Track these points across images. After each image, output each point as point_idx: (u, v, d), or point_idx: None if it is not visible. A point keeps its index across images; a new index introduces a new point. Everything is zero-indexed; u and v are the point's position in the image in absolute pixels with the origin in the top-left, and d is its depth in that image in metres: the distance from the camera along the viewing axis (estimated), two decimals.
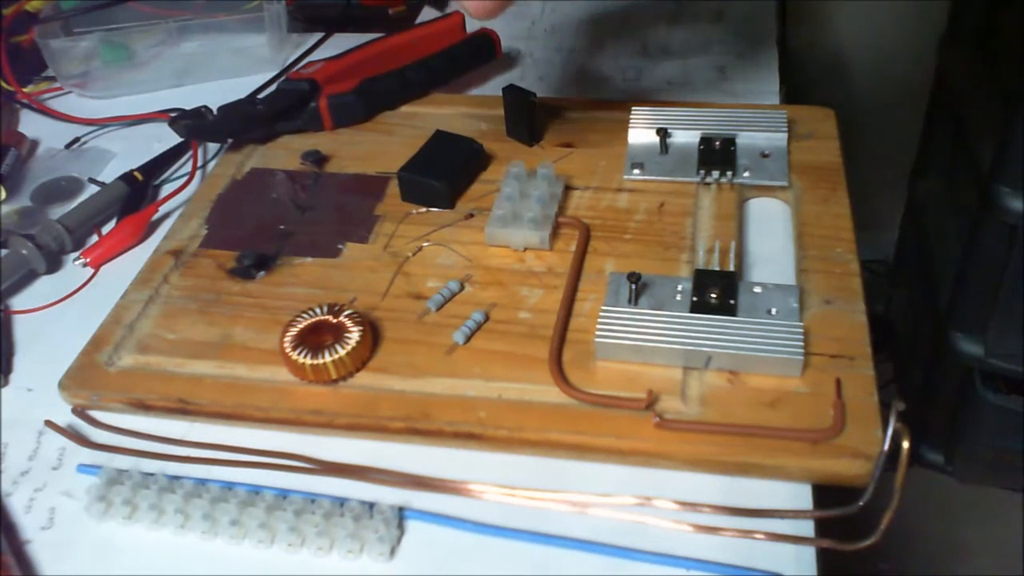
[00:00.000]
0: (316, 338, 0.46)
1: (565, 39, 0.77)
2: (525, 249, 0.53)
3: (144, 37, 0.75)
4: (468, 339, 0.47)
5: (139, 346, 0.49)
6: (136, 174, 0.63)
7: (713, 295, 0.47)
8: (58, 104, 0.74)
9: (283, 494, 0.42)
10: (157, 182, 0.65)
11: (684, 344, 0.44)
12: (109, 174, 0.64)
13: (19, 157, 0.67)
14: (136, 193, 0.62)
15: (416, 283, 0.51)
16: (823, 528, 0.40)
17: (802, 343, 0.43)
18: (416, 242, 0.54)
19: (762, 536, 0.39)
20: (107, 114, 0.72)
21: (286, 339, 0.46)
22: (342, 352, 0.45)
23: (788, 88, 0.69)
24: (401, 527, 0.41)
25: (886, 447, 0.39)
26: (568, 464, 0.43)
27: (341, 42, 0.77)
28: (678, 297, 0.47)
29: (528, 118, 0.60)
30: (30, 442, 0.47)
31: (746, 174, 0.56)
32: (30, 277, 0.57)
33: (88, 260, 0.57)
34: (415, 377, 0.46)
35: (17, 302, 0.56)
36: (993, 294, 0.92)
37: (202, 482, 0.43)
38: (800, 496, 0.41)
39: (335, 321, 0.47)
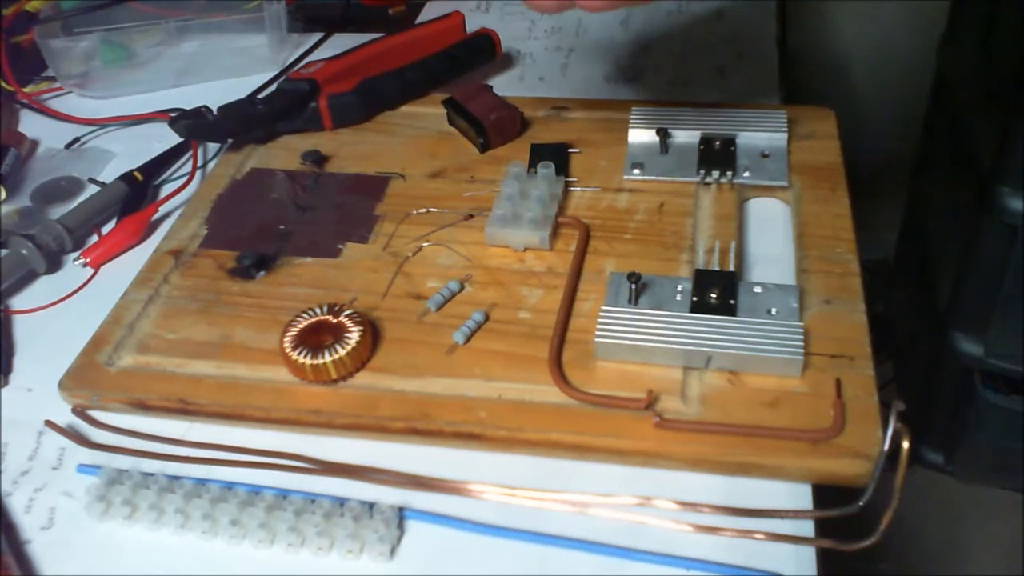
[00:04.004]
0: (316, 338, 0.46)
1: (565, 39, 0.77)
2: (525, 249, 0.53)
3: (144, 37, 0.75)
4: (468, 339, 0.47)
5: (139, 346, 0.49)
6: (136, 174, 0.63)
7: (713, 295, 0.47)
8: (58, 104, 0.74)
9: (283, 494, 0.42)
10: (157, 182, 0.65)
11: (684, 344, 0.44)
12: (109, 174, 0.64)
13: (19, 157, 0.67)
14: (136, 193, 0.62)
15: (416, 283, 0.51)
16: (823, 528, 0.40)
17: (802, 343, 0.43)
18: (416, 242, 0.54)
19: (762, 536, 0.39)
20: (107, 114, 0.72)
21: (286, 339, 0.46)
22: (342, 352, 0.45)
23: (788, 88, 0.69)
24: (401, 527, 0.41)
25: (886, 447, 0.39)
26: (568, 464, 0.43)
27: (341, 42, 0.77)
28: (678, 297, 0.47)
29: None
30: (30, 442, 0.47)
31: (746, 174, 0.56)
32: (30, 277, 0.57)
33: (88, 260, 0.57)
34: (415, 377, 0.46)
35: (17, 302, 0.56)
36: (993, 294, 0.92)
37: (202, 482, 0.43)
38: (800, 496, 0.41)
39: (335, 321, 0.47)
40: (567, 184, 0.57)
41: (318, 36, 0.80)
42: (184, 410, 0.46)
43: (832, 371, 0.44)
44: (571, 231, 0.54)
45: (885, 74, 1.24)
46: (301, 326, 0.47)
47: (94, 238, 0.59)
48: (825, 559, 0.39)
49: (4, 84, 0.73)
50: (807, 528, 0.40)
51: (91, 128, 0.71)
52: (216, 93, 0.68)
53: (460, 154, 0.61)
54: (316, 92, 0.64)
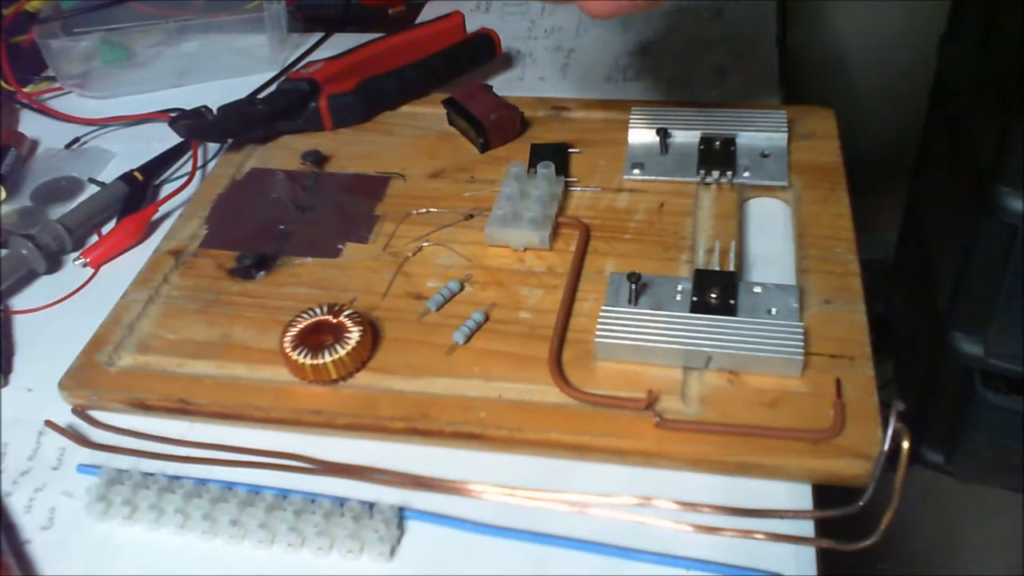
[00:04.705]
0: (316, 338, 0.46)
1: (565, 39, 0.77)
2: (525, 249, 0.53)
3: (144, 37, 0.75)
4: (468, 339, 0.47)
5: (139, 346, 0.49)
6: (136, 174, 0.63)
7: (713, 295, 0.47)
8: (58, 104, 0.74)
9: (283, 494, 0.42)
10: (157, 182, 0.65)
11: (684, 344, 0.44)
12: (109, 174, 0.64)
13: (19, 157, 0.67)
14: (136, 193, 0.62)
15: (416, 283, 0.51)
16: (823, 528, 0.40)
17: (802, 343, 0.43)
18: (416, 242, 0.54)
19: (762, 536, 0.39)
20: (107, 114, 0.72)
21: (286, 339, 0.46)
22: (342, 352, 0.45)
23: (788, 88, 0.69)
24: (401, 527, 0.41)
25: (886, 447, 0.39)
26: (568, 464, 0.43)
27: (341, 42, 0.77)
28: (678, 297, 0.47)
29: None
30: (30, 442, 0.47)
31: (746, 174, 0.56)
32: (30, 277, 0.57)
33: (88, 260, 0.57)
34: (415, 377, 0.46)
35: (17, 302, 0.56)
36: (993, 294, 0.92)
37: (202, 482, 0.43)
38: (800, 496, 0.41)
39: (335, 321, 0.47)
40: (567, 184, 0.57)
41: (318, 36, 0.80)
42: (184, 410, 0.46)
43: (832, 371, 0.44)
44: (571, 231, 0.54)
45: (885, 74, 1.24)
46: (301, 326, 0.47)
47: (94, 238, 0.59)
48: (825, 559, 0.39)
49: (4, 84, 0.73)
50: (807, 528, 0.40)
51: (91, 128, 0.71)
52: (216, 93, 0.68)
53: (460, 154, 0.61)
54: (316, 92, 0.64)
